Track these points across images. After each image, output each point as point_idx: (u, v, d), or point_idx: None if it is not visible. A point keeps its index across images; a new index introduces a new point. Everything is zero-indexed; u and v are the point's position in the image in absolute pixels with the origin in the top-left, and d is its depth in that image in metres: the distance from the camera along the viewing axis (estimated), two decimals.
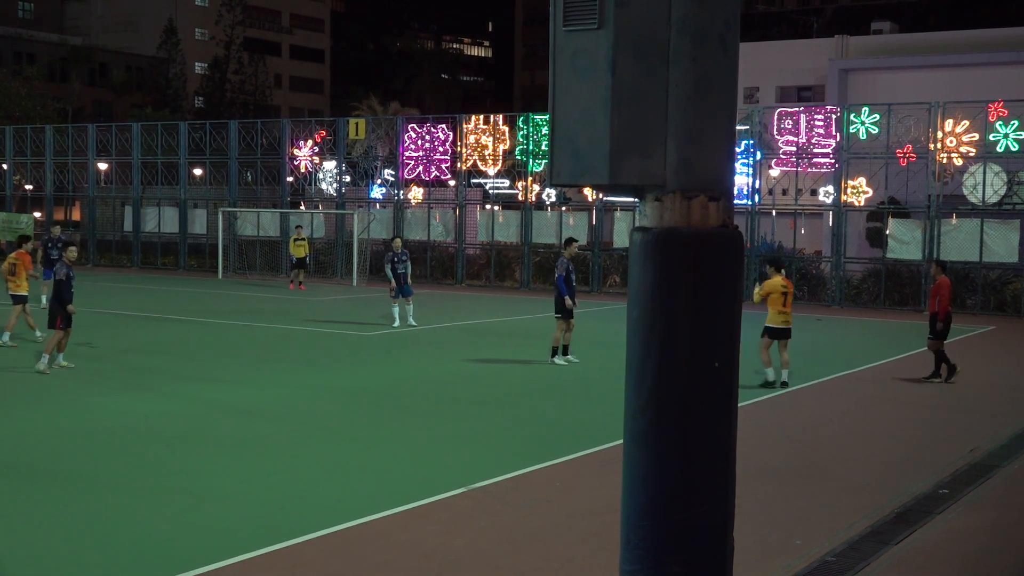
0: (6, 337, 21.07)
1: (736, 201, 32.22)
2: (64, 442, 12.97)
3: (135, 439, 13.17)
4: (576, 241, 21.25)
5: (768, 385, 17.94)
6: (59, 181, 51.39)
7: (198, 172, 52.96)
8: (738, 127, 34.59)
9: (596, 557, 8.98)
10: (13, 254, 21.93)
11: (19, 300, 21.47)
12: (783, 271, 18.64)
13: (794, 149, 35.52)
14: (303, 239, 38.70)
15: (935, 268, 19.72)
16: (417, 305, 27.63)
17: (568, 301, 19.99)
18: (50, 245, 26.87)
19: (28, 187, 54.59)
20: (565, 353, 20.32)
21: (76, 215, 59.10)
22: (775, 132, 35.93)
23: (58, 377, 17.76)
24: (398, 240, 26.73)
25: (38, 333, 21.65)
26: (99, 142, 49.85)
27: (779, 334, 18.04)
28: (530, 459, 12.44)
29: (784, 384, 17.94)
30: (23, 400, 15.73)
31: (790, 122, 35.59)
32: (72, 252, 18.70)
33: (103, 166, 51.62)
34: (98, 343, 21.76)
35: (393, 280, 25.83)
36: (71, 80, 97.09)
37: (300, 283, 37.77)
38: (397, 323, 25.79)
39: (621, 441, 4.46)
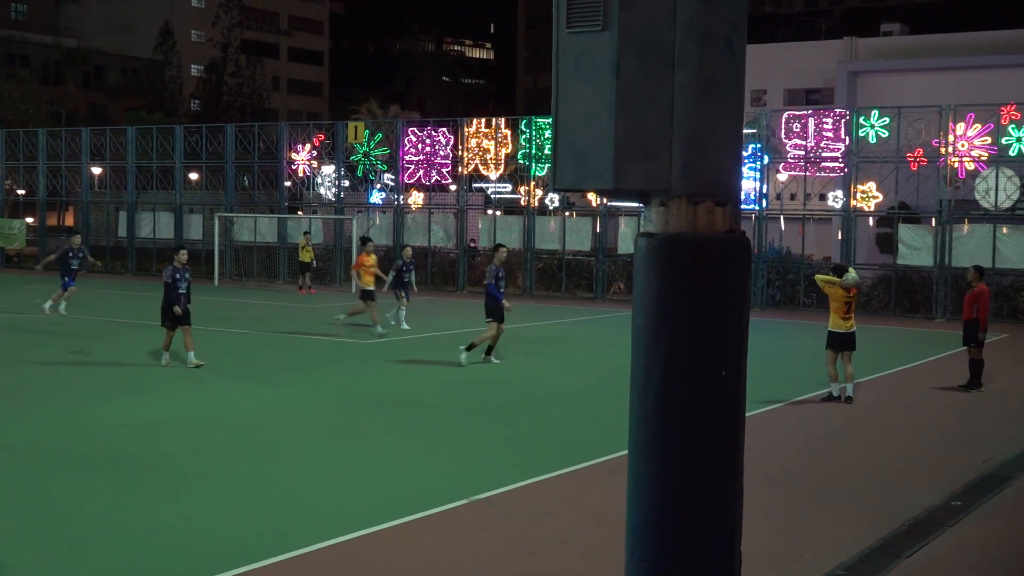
0: None
1: (743, 206, 32.18)
2: (63, 447, 12.97)
3: (133, 445, 13.16)
4: (504, 247, 21.81)
5: (832, 399, 17.76)
6: (52, 186, 51.43)
7: (194, 176, 53.05)
8: (745, 130, 34.60)
9: (600, 570, 8.97)
10: None
11: None
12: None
13: (802, 153, 35.52)
14: (310, 245, 39.37)
15: (973, 274, 19.59)
16: (418, 311, 27.69)
17: (505, 304, 20.64)
18: (71, 255, 26.97)
19: (20, 192, 54.63)
20: (489, 353, 21.01)
21: (69, 220, 59.25)
22: (783, 136, 35.94)
23: (62, 380, 17.80)
24: (408, 249, 27.74)
25: None
26: (93, 146, 49.91)
27: (844, 343, 17.82)
28: (533, 470, 12.43)
29: (849, 399, 17.79)
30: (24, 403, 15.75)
31: (798, 125, 35.60)
32: (183, 255, 20.96)
33: (97, 170, 51.67)
34: (92, 351, 21.76)
35: (390, 283, 26.72)
36: (65, 83, 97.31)
37: (309, 287, 38.63)
38: (381, 329, 25.81)
39: (625, 451, 4.46)
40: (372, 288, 25.61)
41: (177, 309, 19.97)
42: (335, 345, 24.09)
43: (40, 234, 51.80)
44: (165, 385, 18.02)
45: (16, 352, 21.76)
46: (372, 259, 25.83)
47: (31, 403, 16.18)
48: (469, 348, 20.65)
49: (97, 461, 12.58)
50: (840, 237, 36.55)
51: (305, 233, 40.51)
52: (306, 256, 39.15)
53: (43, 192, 51.33)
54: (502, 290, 20.83)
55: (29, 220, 52.88)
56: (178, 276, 20.43)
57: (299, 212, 47.96)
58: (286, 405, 16.54)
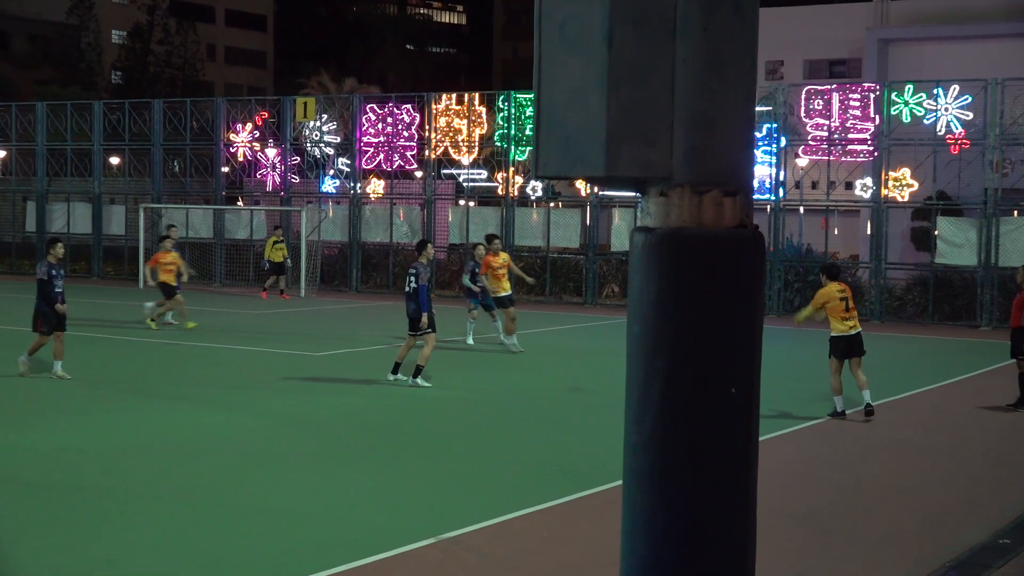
0: None
1: (756, 196, 32.28)
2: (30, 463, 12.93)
3: (38, 475, 13.13)
4: (429, 243, 21.81)
5: (838, 416, 18.07)
6: None
7: (115, 161, 52.83)
8: (758, 108, 34.71)
9: None
10: None
11: None
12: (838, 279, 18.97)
13: (825, 134, 35.64)
14: (282, 241, 38.81)
15: (1023, 275, 19.78)
16: (377, 319, 27.63)
17: (425, 316, 20.47)
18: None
19: None
20: (396, 372, 20.97)
21: None
22: (803, 114, 36.06)
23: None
24: (480, 248, 26.96)
25: None
26: None
27: (850, 348, 18.15)
28: (512, 503, 12.44)
29: (870, 410, 18.05)
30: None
31: (820, 102, 35.72)
32: (59, 249, 21.20)
33: (1, 153, 51.40)
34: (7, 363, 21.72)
35: (473, 289, 26.58)
36: None
37: (282, 291, 38.24)
38: (471, 340, 26.29)
39: (620, 482, 4.47)
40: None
41: (60, 308, 20.35)
42: (284, 359, 24.03)
43: None
44: (79, 406, 17.96)
45: None
46: (502, 257, 25.85)
47: None
48: (417, 374, 20.49)
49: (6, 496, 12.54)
50: (869, 232, 36.69)
51: (276, 227, 40.16)
52: (277, 254, 38.61)
53: None
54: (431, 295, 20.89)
55: None
56: (54, 273, 20.64)
57: (239, 202, 47.85)
58: (224, 429, 16.50)
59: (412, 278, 20.35)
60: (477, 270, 26.19)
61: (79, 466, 13.98)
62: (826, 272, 19.13)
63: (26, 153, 49.80)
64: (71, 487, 12.94)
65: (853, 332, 18.33)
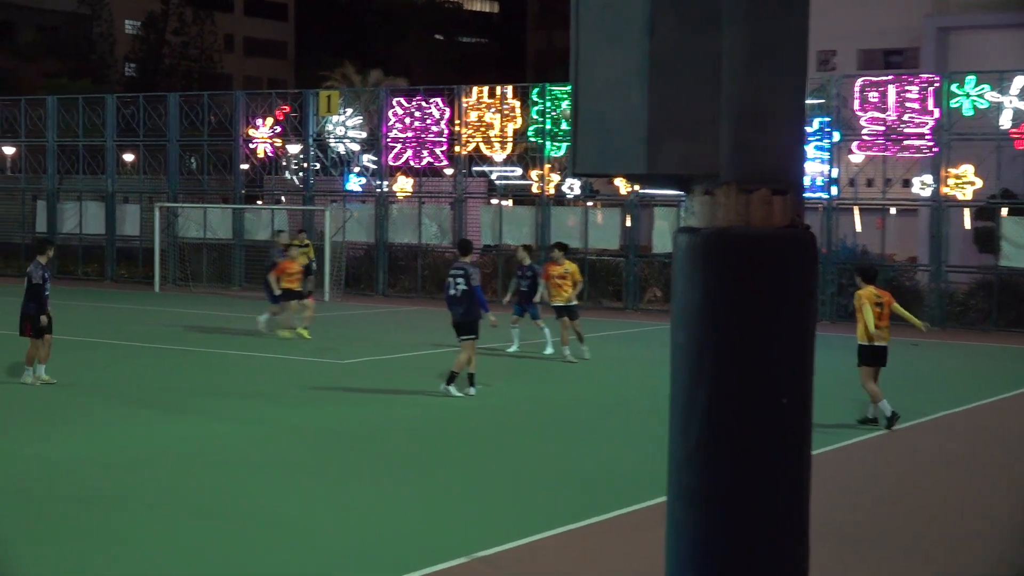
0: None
1: (808, 194, 32.16)
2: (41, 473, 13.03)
3: (46, 488, 13.21)
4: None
5: (868, 422, 18.10)
6: None
7: (129, 158, 53.03)
8: (809, 101, 34.58)
9: None
10: None
11: None
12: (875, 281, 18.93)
13: (881, 128, 35.50)
14: (307, 245, 38.63)
15: None
16: (405, 325, 27.71)
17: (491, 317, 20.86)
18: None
19: None
20: (473, 383, 20.77)
21: None
22: (857, 107, 35.92)
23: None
24: (521, 251, 27.48)
25: None
26: (4, 121, 49.99)
27: (875, 359, 18.11)
28: (548, 520, 12.43)
29: (875, 420, 18.05)
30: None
31: (876, 94, 35.58)
32: (51, 251, 21.44)
33: (9, 150, 51.74)
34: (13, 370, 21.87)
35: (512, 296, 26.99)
36: None
37: (309, 294, 38.18)
38: (515, 347, 26.46)
39: (663, 499, 4.46)
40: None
41: (44, 319, 20.54)
42: (308, 367, 24.10)
43: None
44: (86, 416, 18.06)
45: None
46: (564, 267, 26.00)
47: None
48: (451, 380, 20.47)
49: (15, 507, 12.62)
50: (929, 232, 36.50)
51: (300, 231, 39.98)
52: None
53: None
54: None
55: None
56: (47, 276, 20.97)
57: (259, 202, 47.95)
58: (242, 439, 16.56)
59: (460, 280, 20.22)
60: (519, 275, 26.39)
61: (86, 477, 14.06)
62: (862, 274, 19.00)
63: (36, 150, 50.05)
64: (77, 498, 13.00)
65: (883, 343, 18.18)
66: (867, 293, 18.38)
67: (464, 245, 21.65)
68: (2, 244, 50.47)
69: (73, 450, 15.64)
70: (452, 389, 20.24)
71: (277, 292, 28.27)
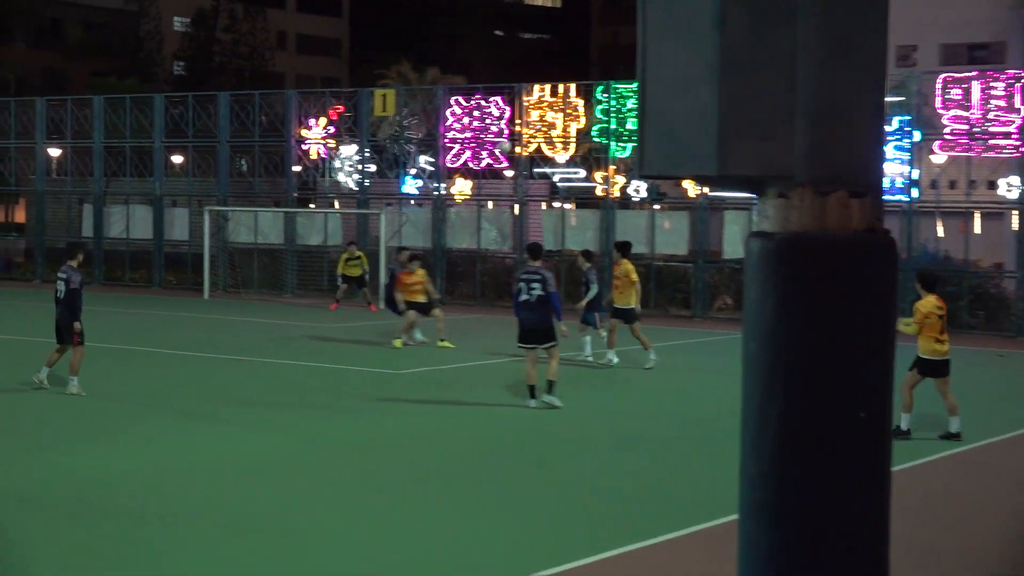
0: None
1: (887, 197, 31.92)
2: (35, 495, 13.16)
3: (82, 505, 13.33)
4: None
5: (902, 435, 17.70)
6: None
7: (178, 160, 53.51)
8: (889, 99, 34.37)
9: None
10: None
11: None
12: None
13: (965, 127, 35.22)
14: (358, 258, 38.72)
15: None
16: (464, 333, 27.81)
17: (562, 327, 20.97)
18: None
19: None
20: (535, 396, 20.62)
21: (20, 216, 59.86)
22: (939, 105, 35.66)
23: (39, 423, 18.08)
24: (581, 258, 27.59)
25: None
26: (50, 121, 50.48)
27: (938, 369, 17.96)
28: (612, 539, 12.41)
29: (957, 435, 17.88)
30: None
31: (959, 91, 35.31)
32: (81, 256, 22.17)
33: (55, 152, 52.25)
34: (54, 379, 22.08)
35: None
36: (13, 41, 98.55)
37: (370, 303, 38.30)
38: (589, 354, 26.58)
39: (734, 516, 4.44)
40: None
41: (78, 325, 21.04)
42: (362, 376, 24.21)
43: None
44: (128, 427, 18.21)
45: None
46: (622, 267, 26.26)
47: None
48: (550, 390, 20.48)
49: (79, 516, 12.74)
50: (1016, 237, 36.17)
51: (350, 244, 40.06)
52: (354, 270, 38.65)
53: None
54: None
55: None
56: (83, 281, 21.72)
57: (311, 205, 48.18)
58: (293, 451, 16.64)
59: (536, 285, 20.22)
60: (587, 281, 26.48)
61: (129, 490, 14.16)
62: (923, 281, 18.59)
63: (82, 151, 50.45)
64: (121, 512, 13.09)
65: (944, 358, 17.96)
66: (930, 304, 18.02)
67: (535, 249, 21.65)
68: (48, 249, 50.75)
69: (116, 463, 15.77)
70: (555, 400, 20.23)
71: (401, 308, 28.44)
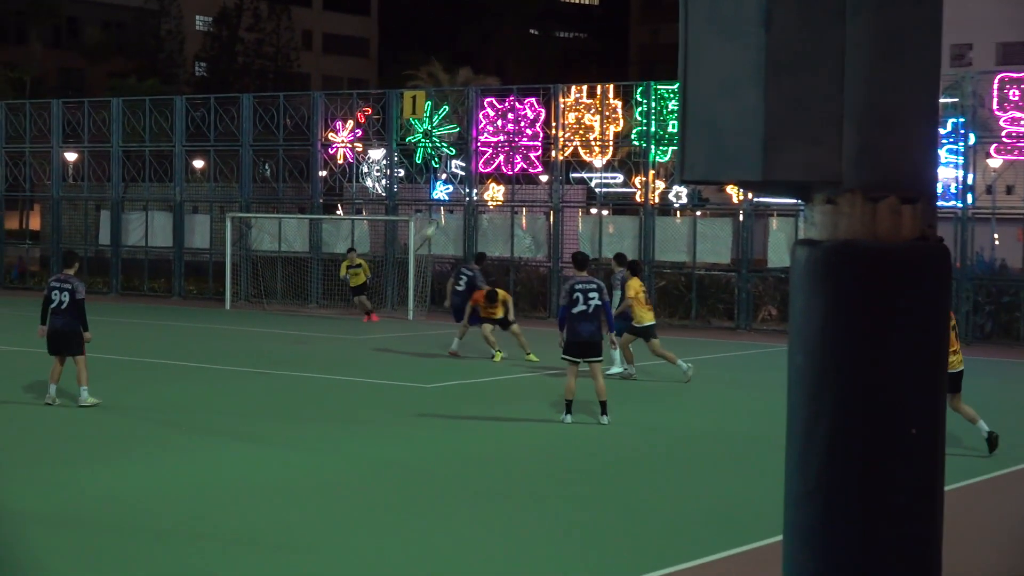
0: None
1: (940, 203, 31.84)
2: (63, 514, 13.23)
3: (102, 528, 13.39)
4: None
5: None
6: (12, 176, 52.32)
7: (199, 164, 53.66)
8: (942, 100, 34.25)
9: None
10: None
11: None
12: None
13: (1022, 130, 35.06)
14: (359, 264, 38.77)
15: None
16: (499, 346, 27.84)
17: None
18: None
19: None
20: (570, 411, 20.55)
21: (35, 223, 60.10)
22: (995, 107, 35.52)
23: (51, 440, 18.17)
24: (614, 262, 27.88)
25: None
26: (67, 124, 50.66)
27: (952, 383, 17.91)
28: (652, 560, 12.38)
29: (992, 436, 17.89)
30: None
31: (1016, 92, 35.16)
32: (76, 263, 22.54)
33: (72, 156, 52.46)
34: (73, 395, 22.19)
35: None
36: (29, 41, 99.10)
37: (369, 312, 38.48)
38: (618, 367, 26.50)
39: (778, 538, 4.43)
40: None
41: (89, 335, 21.47)
42: (389, 391, 24.24)
43: None
44: (150, 443, 18.28)
45: None
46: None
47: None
48: (604, 411, 20.34)
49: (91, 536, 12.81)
50: None
51: (350, 250, 40.19)
52: (356, 279, 38.68)
53: (0, 185, 52.23)
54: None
55: None
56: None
57: (338, 211, 48.23)
58: (322, 470, 16.66)
59: (593, 294, 20.10)
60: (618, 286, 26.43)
61: (153, 507, 14.20)
62: None
63: (99, 156, 50.67)
64: (151, 531, 13.14)
65: (958, 369, 17.95)
66: None
67: (582, 259, 21.60)
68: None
69: (140, 480, 15.81)
70: (606, 419, 20.22)
71: (464, 323, 28.78)
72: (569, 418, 20.19)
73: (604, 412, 20.18)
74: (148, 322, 38.22)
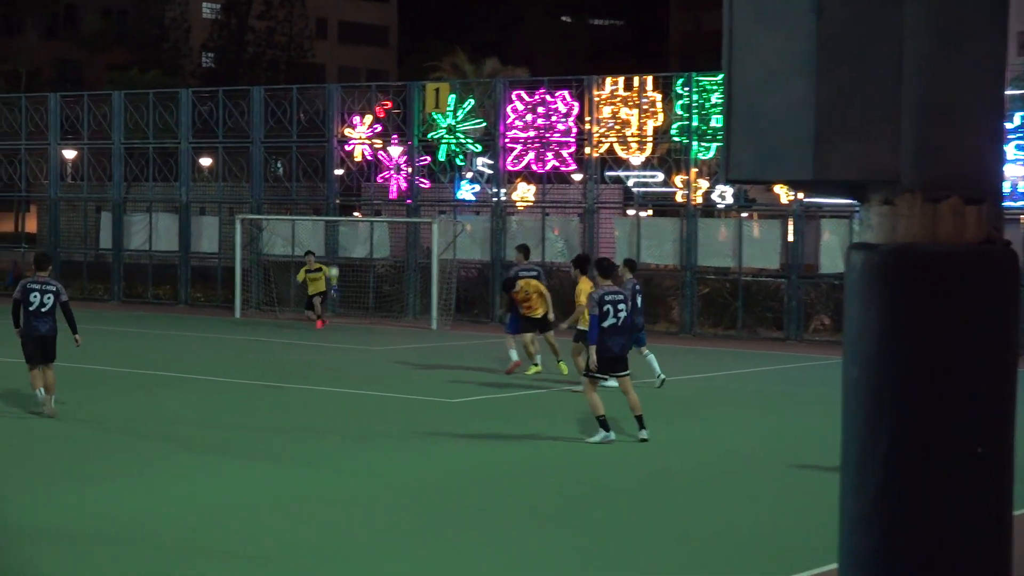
0: None
1: (1007, 203, 31.75)
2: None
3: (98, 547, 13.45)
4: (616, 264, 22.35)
5: None
6: (6, 175, 52.49)
7: (206, 163, 53.80)
8: (1009, 92, 34.17)
9: None
10: None
11: None
12: None
13: None
14: (319, 269, 38.71)
15: None
16: (523, 357, 27.82)
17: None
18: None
19: None
20: (608, 428, 20.34)
21: (31, 225, 60.28)
22: None
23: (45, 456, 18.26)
24: (623, 267, 27.49)
25: None
26: (64, 119, 50.85)
27: None
28: None
29: None
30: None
31: None
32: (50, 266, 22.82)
33: (70, 154, 52.63)
34: (70, 409, 22.30)
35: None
36: (24, 31, 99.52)
37: (319, 317, 38.42)
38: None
39: (834, 566, 4.42)
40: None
41: (78, 337, 22.07)
42: (411, 405, 24.28)
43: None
44: (161, 460, 18.36)
45: None
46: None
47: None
48: (642, 425, 20.28)
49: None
50: None
51: (308, 252, 40.38)
52: (316, 285, 38.59)
53: None
54: None
55: None
56: None
57: (356, 212, 48.28)
58: (343, 490, 16.71)
59: (623, 306, 20.07)
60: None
61: (160, 529, 14.26)
62: None
63: (100, 153, 50.71)
64: (156, 549, 13.20)
65: None
66: None
67: (607, 266, 21.45)
68: (63, 263, 50.98)
69: (142, 499, 15.87)
70: (645, 433, 20.21)
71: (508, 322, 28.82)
72: (612, 435, 20.09)
73: (642, 426, 20.13)
74: (152, 331, 38.33)
